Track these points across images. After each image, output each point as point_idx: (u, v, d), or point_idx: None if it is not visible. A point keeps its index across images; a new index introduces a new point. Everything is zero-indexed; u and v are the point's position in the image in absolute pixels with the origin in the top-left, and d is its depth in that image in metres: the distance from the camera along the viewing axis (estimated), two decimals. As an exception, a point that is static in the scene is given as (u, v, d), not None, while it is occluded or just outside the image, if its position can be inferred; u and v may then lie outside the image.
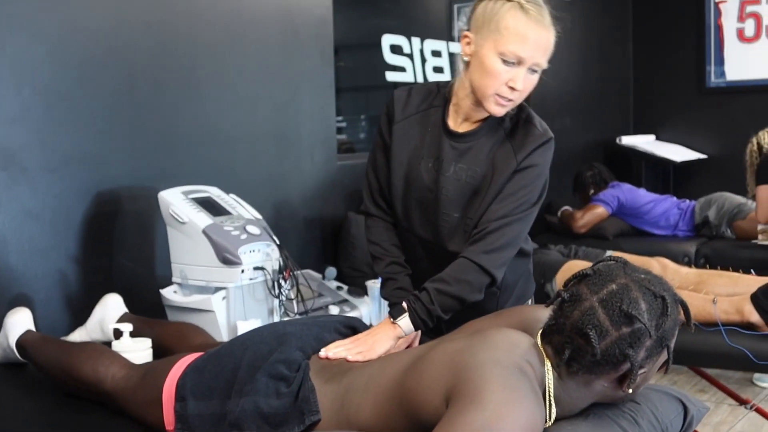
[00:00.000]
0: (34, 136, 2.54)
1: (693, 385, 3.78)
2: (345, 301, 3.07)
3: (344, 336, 1.89)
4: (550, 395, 1.52)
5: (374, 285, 3.08)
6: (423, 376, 1.53)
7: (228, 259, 2.42)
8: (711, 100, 6.00)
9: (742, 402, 3.11)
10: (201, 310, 2.48)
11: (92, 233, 2.70)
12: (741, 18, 5.87)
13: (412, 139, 2.04)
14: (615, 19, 6.15)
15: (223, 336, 2.46)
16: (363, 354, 1.80)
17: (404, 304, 1.92)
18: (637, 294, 1.49)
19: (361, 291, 3.15)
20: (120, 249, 2.80)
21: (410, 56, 4.39)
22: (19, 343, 2.25)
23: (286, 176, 3.48)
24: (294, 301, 2.64)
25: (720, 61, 5.95)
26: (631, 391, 1.53)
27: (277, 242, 2.57)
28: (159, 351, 2.24)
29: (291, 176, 3.51)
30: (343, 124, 4.21)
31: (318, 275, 3.23)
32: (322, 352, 1.80)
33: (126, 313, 2.47)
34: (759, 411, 3.09)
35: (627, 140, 5.84)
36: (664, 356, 1.54)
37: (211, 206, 2.58)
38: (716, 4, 5.93)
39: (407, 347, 1.96)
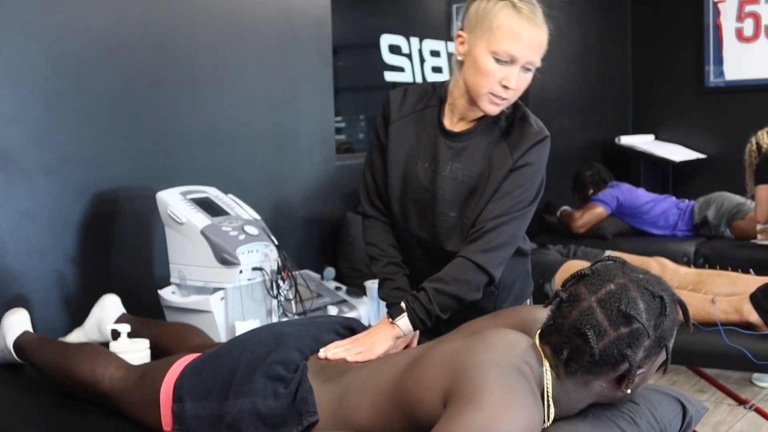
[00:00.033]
0: (31, 136, 2.54)
1: (692, 385, 3.77)
2: (344, 301, 3.06)
3: (342, 337, 1.88)
4: (548, 395, 1.52)
5: (373, 285, 3.07)
6: (421, 376, 1.53)
7: (226, 260, 2.42)
8: (710, 99, 5.99)
9: (741, 402, 3.11)
10: (199, 311, 2.48)
11: (90, 234, 2.70)
12: (740, 18, 5.87)
13: (408, 139, 2.04)
14: (614, 19, 6.15)
15: (222, 337, 2.45)
16: (362, 354, 1.80)
17: (402, 304, 1.92)
18: (635, 294, 1.48)
19: (359, 291, 3.15)
20: (118, 249, 2.80)
21: (409, 56, 4.39)
22: (17, 344, 2.25)
23: (285, 176, 3.48)
24: (292, 302, 2.63)
25: (719, 61, 5.95)
26: (629, 391, 1.53)
27: (276, 243, 2.57)
28: (157, 352, 2.24)
29: (289, 176, 3.50)
30: (342, 125, 4.20)
31: (317, 275, 3.22)
32: (322, 353, 1.80)
33: (124, 314, 2.46)
34: (758, 411, 3.09)
35: (626, 140, 5.83)
36: (662, 356, 1.53)
37: (209, 207, 2.58)
38: (715, 4, 5.93)
39: (405, 347, 1.96)
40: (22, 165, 2.52)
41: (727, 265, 3.45)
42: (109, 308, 2.46)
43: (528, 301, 2.22)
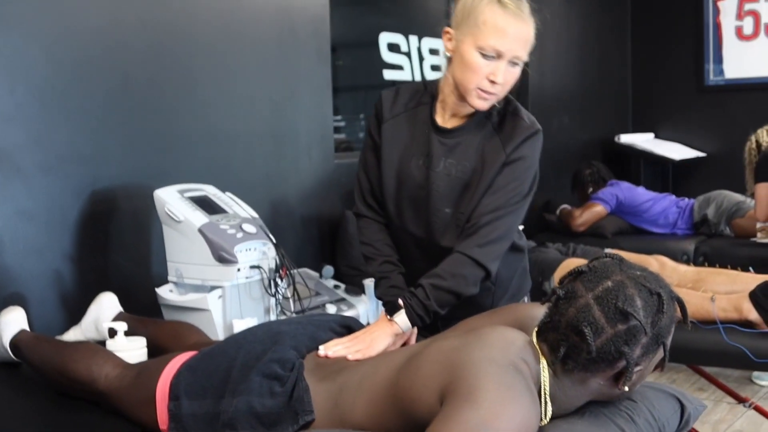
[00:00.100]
0: (28, 135, 2.54)
1: (692, 383, 3.77)
2: (342, 299, 3.06)
3: (339, 335, 1.88)
4: (545, 393, 1.51)
5: (371, 283, 3.06)
6: (417, 374, 1.52)
7: (224, 258, 2.42)
8: (710, 98, 5.99)
9: (740, 400, 3.11)
10: (197, 309, 2.47)
11: (87, 232, 2.69)
12: (740, 16, 5.86)
13: (401, 137, 2.05)
14: (613, 17, 6.14)
15: (219, 335, 2.45)
16: (362, 352, 1.80)
17: (400, 301, 1.92)
18: (632, 291, 1.48)
19: (358, 289, 3.15)
20: (115, 248, 2.79)
21: (408, 54, 4.38)
22: (13, 342, 2.24)
23: (283, 175, 3.48)
24: (290, 300, 2.63)
25: (719, 59, 5.94)
26: (627, 388, 1.52)
27: (274, 241, 2.56)
28: (154, 350, 2.23)
29: (288, 175, 3.50)
30: (341, 123, 4.20)
31: (315, 274, 3.22)
32: (322, 351, 1.80)
33: (121, 312, 2.46)
34: (758, 409, 3.09)
35: (626, 138, 5.83)
36: (660, 354, 1.53)
37: (207, 205, 2.57)
38: (715, 3, 5.92)
39: (404, 344, 1.95)
40: (19, 164, 2.51)
41: (726, 264, 3.45)
42: (106, 306, 2.46)
43: (525, 298, 2.22)
